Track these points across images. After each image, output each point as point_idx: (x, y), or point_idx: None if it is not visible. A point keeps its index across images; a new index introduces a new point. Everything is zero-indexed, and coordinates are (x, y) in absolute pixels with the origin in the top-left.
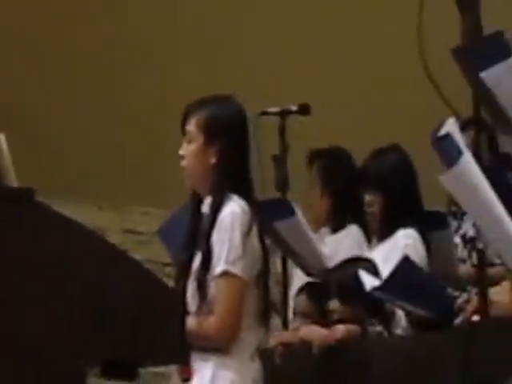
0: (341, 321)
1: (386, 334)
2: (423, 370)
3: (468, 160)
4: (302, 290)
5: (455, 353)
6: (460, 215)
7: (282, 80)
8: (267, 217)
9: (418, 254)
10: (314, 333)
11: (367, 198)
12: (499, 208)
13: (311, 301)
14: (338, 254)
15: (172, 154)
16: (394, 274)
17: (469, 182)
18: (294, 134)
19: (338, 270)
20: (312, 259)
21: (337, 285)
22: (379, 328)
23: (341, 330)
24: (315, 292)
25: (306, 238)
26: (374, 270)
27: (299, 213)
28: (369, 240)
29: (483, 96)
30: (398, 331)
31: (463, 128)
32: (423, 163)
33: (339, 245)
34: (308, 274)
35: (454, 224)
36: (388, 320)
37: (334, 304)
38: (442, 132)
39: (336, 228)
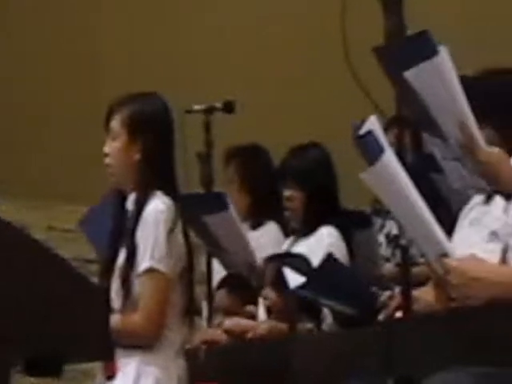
0: (269, 310)
1: (315, 331)
2: (346, 366)
3: (389, 157)
4: (221, 284)
5: (378, 349)
6: (384, 213)
7: (206, 78)
8: (196, 210)
9: (341, 252)
10: (239, 325)
11: (287, 193)
12: (420, 205)
13: (232, 294)
14: (256, 251)
15: (97, 151)
16: (318, 271)
17: (390, 180)
18: (218, 131)
19: (272, 262)
20: (241, 254)
21: (273, 275)
22: (309, 325)
23: (265, 325)
24: (236, 285)
25: (238, 233)
26: (307, 266)
27: (232, 207)
28: (287, 236)
29: (406, 95)
30: (324, 328)
31: (387, 127)
32: (347, 162)
33: (257, 241)
34: (229, 269)
35: (378, 222)
36: (318, 316)
37: (267, 292)
38: (364, 129)
39: (255, 225)
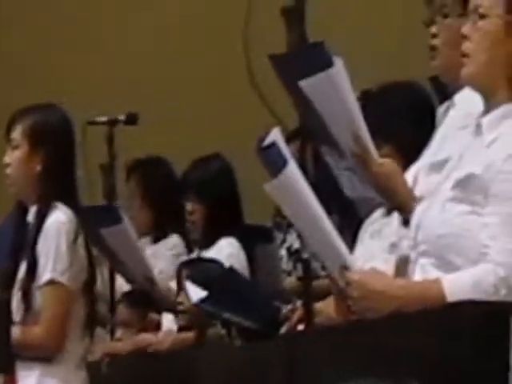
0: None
1: (227, 337)
2: (249, 379)
3: (293, 169)
4: (122, 299)
5: (280, 362)
6: (285, 227)
7: (109, 90)
8: (94, 223)
9: (241, 264)
10: (144, 340)
11: (188, 206)
12: (322, 217)
13: (132, 309)
14: (157, 265)
15: None
16: (218, 284)
17: (293, 191)
18: (121, 143)
19: (188, 268)
20: (138, 267)
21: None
22: (222, 331)
23: (169, 339)
24: (136, 300)
25: (133, 246)
26: (220, 270)
27: (126, 220)
28: (190, 250)
29: (302, 105)
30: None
31: (289, 139)
32: (250, 175)
33: (160, 254)
34: (130, 283)
35: (279, 236)
36: (230, 323)
37: (181, 297)
38: (268, 141)
39: (157, 238)
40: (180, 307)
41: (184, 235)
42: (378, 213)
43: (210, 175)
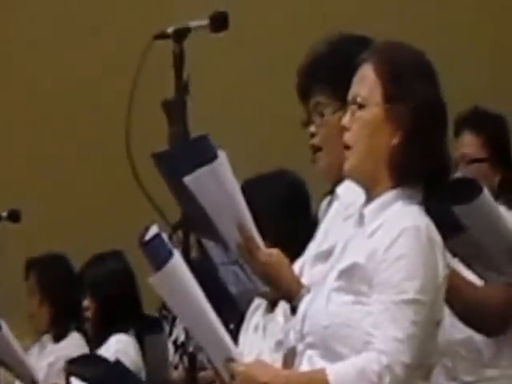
0: None
1: None
2: None
3: (178, 261)
4: None
5: None
6: (171, 320)
7: None
8: None
9: (131, 359)
10: None
11: (85, 303)
12: (207, 309)
13: None
14: (59, 363)
15: None
16: (104, 380)
17: (178, 283)
18: (7, 240)
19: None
20: (24, 370)
21: None
22: None
23: None
24: None
25: (14, 351)
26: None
27: (4, 325)
28: (91, 347)
29: (186, 200)
30: None
31: (172, 232)
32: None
33: (60, 353)
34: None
35: (166, 329)
36: None
37: None
38: (150, 235)
39: (58, 336)
40: None
41: (85, 332)
42: (261, 307)
43: (104, 273)
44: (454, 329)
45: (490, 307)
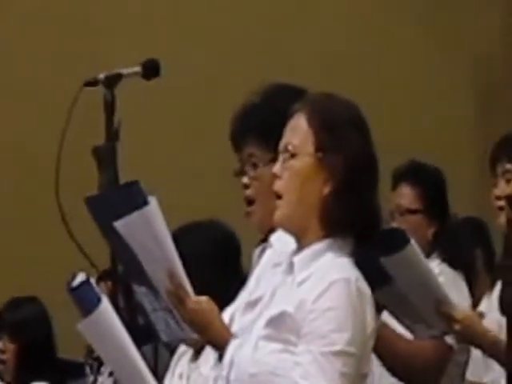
0: None
1: None
2: None
3: (106, 307)
4: None
5: None
6: (96, 367)
7: None
8: None
9: None
10: None
11: (0, 345)
12: (135, 354)
13: None
14: None
15: None
16: None
17: (106, 329)
18: None
19: None
20: None
21: None
22: None
23: None
24: None
25: None
26: None
27: None
28: None
29: (117, 245)
30: None
31: (100, 278)
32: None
33: None
34: None
35: (91, 377)
36: None
37: None
38: (78, 281)
39: None
40: None
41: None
42: (187, 355)
43: (22, 317)
44: (383, 379)
45: (422, 361)
